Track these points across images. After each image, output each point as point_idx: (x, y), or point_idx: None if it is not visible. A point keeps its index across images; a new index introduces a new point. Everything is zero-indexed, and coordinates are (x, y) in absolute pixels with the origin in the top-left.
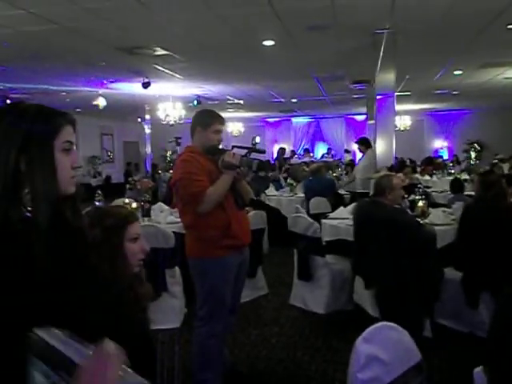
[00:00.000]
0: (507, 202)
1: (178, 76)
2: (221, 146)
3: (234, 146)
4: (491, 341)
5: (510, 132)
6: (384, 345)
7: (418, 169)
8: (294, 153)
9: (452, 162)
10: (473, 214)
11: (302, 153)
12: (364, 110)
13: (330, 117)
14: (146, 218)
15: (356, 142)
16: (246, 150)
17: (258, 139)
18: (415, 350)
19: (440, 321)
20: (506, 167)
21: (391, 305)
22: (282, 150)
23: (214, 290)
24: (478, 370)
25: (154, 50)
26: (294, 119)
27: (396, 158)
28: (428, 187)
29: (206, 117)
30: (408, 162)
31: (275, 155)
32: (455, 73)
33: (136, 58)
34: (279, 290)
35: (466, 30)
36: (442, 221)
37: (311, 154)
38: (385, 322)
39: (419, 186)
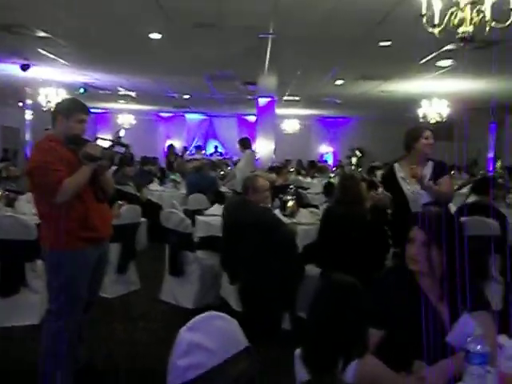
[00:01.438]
0: (362, 207)
1: (62, 61)
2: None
3: (97, 138)
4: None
5: (389, 141)
6: (209, 333)
7: (303, 171)
8: (185, 149)
9: (336, 166)
10: (331, 215)
11: (193, 150)
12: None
13: (223, 115)
14: (8, 209)
15: (241, 141)
16: (110, 143)
17: (122, 133)
18: (242, 338)
19: (300, 314)
20: (379, 173)
21: (253, 300)
22: (170, 147)
23: (68, 283)
24: (298, 351)
25: (35, 32)
26: (187, 115)
27: (287, 160)
28: (306, 189)
29: (68, 105)
30: (295, 164)
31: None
32: (337, 82)
33: (16, 38)
34: (152, 285)
35: (343, 41)
36: (308, 220)
37: (203, 152)
38: (212, 312)
39: (291, 187)
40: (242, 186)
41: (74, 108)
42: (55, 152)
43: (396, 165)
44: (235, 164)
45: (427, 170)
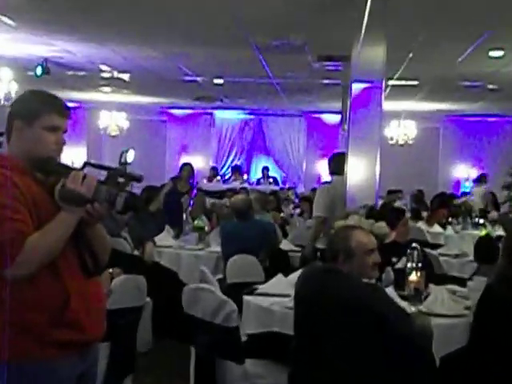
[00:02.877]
0: None
1: (6, 20)
2: (62, 161)
3: (86, 164)
4: None
5: None
6: None
7: (425, 214)
8: (215, 172)
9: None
10: (495, 300)
11: (229, 172)
12: (338, 105)
13: (280, 114)
14: None
15: (329, 160)
16: (106, 173)
17: (131, 155)
18: None
19: None
20: None
21: None
22: (188, 168)
23: None
24: None
25: None
26: (218, 113)
27: (390, 191)
28: (436, 247)
29: (32, 103)
30: (408, 200)
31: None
32: (492, 54)
33: None
34: None
35: None
36: (448, 309)
37: (245, 176)
38: None
39: (414, 246)
40: (328, 245)
41: (39, 107)
42: (12, 186)
43: None
44: (304, 199)
45: None
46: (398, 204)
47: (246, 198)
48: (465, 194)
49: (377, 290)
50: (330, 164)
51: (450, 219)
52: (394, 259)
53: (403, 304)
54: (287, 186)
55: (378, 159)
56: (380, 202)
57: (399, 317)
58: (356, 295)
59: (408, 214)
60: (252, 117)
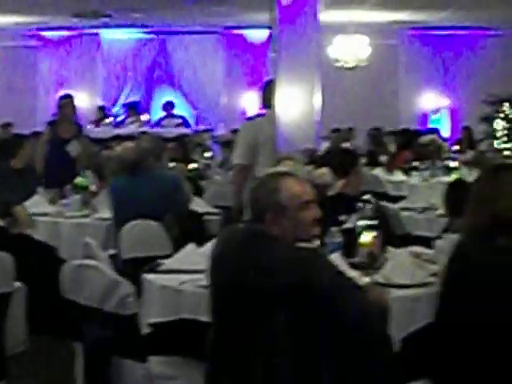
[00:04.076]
0: None
1: None
2: None
3: None
4: None
5: None
6: None
7: (384, 157)
8: (103, 113)
9: (458, 142)
10: (467, 262)
11: (122, 112)
12: (266, 17)
13: (189, 31)
14: None
15: (261, 90)
16: None
17: None
18: None
19: None
20: None
21: None
22: (68, 102)
23: None
24: None
25: None
26: (104, 33)
27: (336, 129)
28: (397, 199)
29: None
30: (362, 140)
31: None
32: None
33: None
34: None
35: None
36: (410, 277)
37: (144, 117)
38: None
39: (367, 198)
40: (251, 201)
41: None
42: None
43: None
44: (224, 144)
45: None
46: (347, 146)
47: (140, 146)
48: (433, 130)
49: (317, 257)
50: (262, 95)
51: (414, 163)
52: (342, 217)
53: (353, 274)
54: (202, 127)
55: (319, 87)
56: (325, 144)
57: (347, 291)
58: (288, 266)
59: (362, 159)
60: (151, 36)
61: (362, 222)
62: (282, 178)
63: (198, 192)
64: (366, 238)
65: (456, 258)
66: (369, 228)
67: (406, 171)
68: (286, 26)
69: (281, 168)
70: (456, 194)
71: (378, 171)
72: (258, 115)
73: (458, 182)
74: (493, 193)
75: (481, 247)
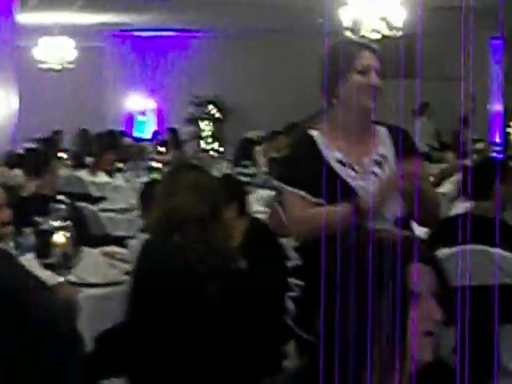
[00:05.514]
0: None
1: None
2: None
3: None
4: None
5: (277, 82)
6: None
7: (90, 158)
8: None
9: (164, 143)
10: (148, 259)
11: None
12: None
13: None
14: None
15: None
16: None
17: None
18: None
19: None
20: (260, 156)
21: None
22: None
23: None
24: None
25: None
26: None
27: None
28: (98, 200)
29: None
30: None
31: None
32: None
33: None
34: None
35: None
36: (103, 276)
37: None
38: None
39: (60, 198)
40: None
41: None
42: None
43: (315, 134)
44: None
45: (381, 148)
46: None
47: None
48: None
49: (1, 258)
50: None
51: (119, 165)
52: (38, 218)
53: (47, 274)
54: None
55: (16, 90)
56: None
57: (33, 292)
58: None
59: (69, 161)
60: None
61: (55, 223)
62: None
63: None
64: (59, 238)
65: (141, 256)
66: (62, 228)
67: (110, 172)
68: None
69: None
70: (149, 193)
71: (83, 173)
72: None
73: (152, 182)
74: (170, 191)
75: (158, 244)
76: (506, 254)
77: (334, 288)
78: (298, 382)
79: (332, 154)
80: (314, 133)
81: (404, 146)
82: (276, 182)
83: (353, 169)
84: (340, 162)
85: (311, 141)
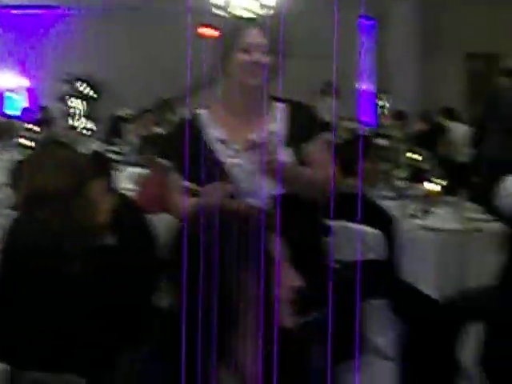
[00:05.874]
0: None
1: None
2: None
3: None
4: None
5: (154, 59)
6: None
7: None
8: None
9: (37, 122)
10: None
11: None
12: None
13: None
14: None
15: None
16: None
17: None
18: None
19: None
20: (130, 134)
21: None
22: None
23: None
24: None
25: None
26: None
27: None
28: None
29: None
30: None
31: None
32: None
33: None
34: None
35: None
36: None
37: None
38: None
39: None
40: None
41: None
42: None
43: (202, 113)
44: None
45: (272, 126)
46: None
47: None
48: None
49: None
50: None
51: None
52: None
53: None
54: None
55: None
56: None
57: None
58: None
59: None
60: None
61: None
62: None
63: None
64: None
65: (8, 234)
66: None
67: None
68: None
69: None
70: (20, 171)
71: None
72: None
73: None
74: (35, 168)
75: (24, 222)
76: (370, 229)
77: (197, 261)
78: (160, 357)
79: (213, 133)
80: (202, 112)
81: (308, 122)
82: (145, 160)
83: (233, 148)
84: (221, 140)
85: (195, 120)
